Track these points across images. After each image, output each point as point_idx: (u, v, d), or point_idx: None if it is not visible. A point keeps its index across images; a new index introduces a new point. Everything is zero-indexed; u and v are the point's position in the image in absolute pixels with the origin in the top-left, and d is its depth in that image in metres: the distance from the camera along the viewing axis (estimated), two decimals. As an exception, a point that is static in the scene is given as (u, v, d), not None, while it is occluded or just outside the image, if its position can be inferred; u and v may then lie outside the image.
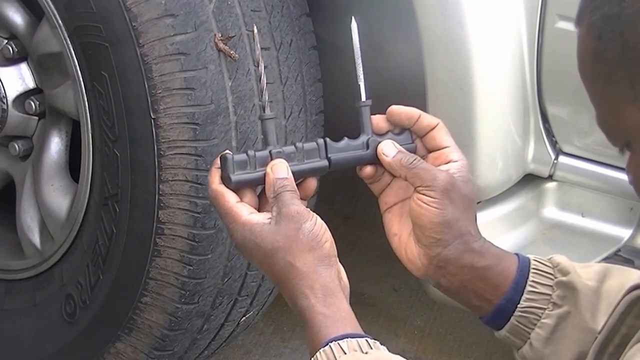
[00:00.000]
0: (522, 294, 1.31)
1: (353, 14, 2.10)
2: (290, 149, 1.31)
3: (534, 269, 1.32)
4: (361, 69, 1.33)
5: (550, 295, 1.31)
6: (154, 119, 1.76)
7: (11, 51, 2.03)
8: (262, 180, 1.28)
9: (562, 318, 1.30)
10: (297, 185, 1.29)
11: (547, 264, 1.33)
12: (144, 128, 1.77)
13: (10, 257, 2.13)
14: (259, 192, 1.31)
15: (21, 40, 2.03)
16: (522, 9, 1.83)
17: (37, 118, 2.05)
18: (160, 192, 1.79)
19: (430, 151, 1.36)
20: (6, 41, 2.04)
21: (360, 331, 1.18)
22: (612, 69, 1.01)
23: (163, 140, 1.77)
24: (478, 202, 1.98)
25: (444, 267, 1.31)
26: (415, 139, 1.37)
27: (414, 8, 1.80)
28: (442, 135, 1.35)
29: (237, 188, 1.27)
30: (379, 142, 1.34)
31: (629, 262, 1.95)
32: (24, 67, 2.04)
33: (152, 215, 1.81)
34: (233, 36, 1.77)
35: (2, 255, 2.15)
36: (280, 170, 1.27)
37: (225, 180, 1.27)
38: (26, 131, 2.07)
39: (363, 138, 1.33)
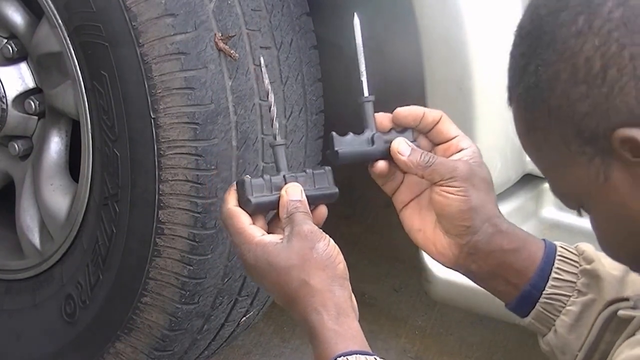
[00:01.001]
0: (547, 281, 1.31)
1: (353, 13, 2.10)
2: (301, 174, 1.31)
3: (559, 255, 1.32)
4: (363, 64, 1.32)
5: (575, 282, 1.31)
6: (154, 118, 1.76)
7: (11, 51, 2.03)
8: (277, 204, 1.28)
9: (587, 305, 1.30)
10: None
11: (573, 251, 1.33)
12: (144, 128, 1.77)
13: (9, 257, 2.12)
14: (269, 218, 1.31)
15: (21, 40, 2.03)
16: (521, 8, 1.83)
17: (36, 118, 2.05)
18: (160, 192, 1.79)
19: (438, 144, 1.36)
20: (6, 41, 2.04)
21: (369, 350, 1.18)
22: (546, 135, 1.05)
23: (163, 140, 1.76)
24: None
25: (474, 253, 1.31)
26: (417, 136, 1.36)
27: (413, 8, 1.80)
28: (448, 127, 1.35)
29: (254, 211, 1.27)
30: (385, 139, 1.33)
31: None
32: (23, 66, 2.04)
33: (152, 215, 1.81)
34: (233, 36, 1.77)
35: (1, 255, 2.14)
36: (294, 193, 1.27)
37: (245, 202, 1.27)
38: (26, 131, 2.07)
39: (368, 134, 1.32)
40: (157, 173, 1.78)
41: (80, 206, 1.92)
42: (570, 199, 1.09)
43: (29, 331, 2.05)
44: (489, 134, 1.87)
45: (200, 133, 1.76)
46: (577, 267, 1.32)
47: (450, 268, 1.34)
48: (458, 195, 1.29)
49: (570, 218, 2.01)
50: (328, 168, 1.34)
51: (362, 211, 2.79)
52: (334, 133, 1.30)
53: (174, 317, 1.89)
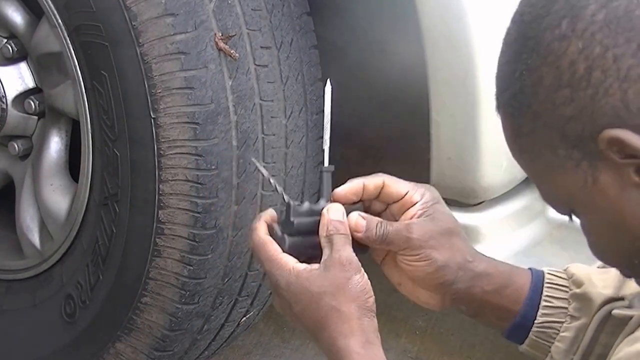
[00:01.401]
0: (538, 309, 1.31)
1: (354, 13, 2.10)
2: None
3: (548, 282, 1.32)
4: (328, 133, 1.30)
5: (566, 308, 1.31)
6: (154, 118, 1.75)
7: (11, 50, 2.03)
8: (317, 227, 1.27)
9: (581, 330, 1.30)
10: None
11: (562, 276, 1.33)
12: (144, 127, 1.77)
13: (9, 257, 2.12)
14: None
15: (21, 40, 2.03)
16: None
17: (36, 117, 2.05)
18: (161, 192, 1.79)
19: (391, 203, 1.33)
20: (6, 40, 2.04)
21: None
22: (533, 141, 1.05)
23: (163, 140, 1.76)
24: (481, 202, 1.97)
25: (457, 298, 1.31)
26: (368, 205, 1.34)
27: (416, 7, 1.80)
28: (395, 187, 1.32)
29: (296, 233, 1.26)
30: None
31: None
32: (23, 66, 2.04)
33: (152, 215, 1.81)
34: (233, 35, 1.77)
35: (1, 256, 2.14)
36: (336, 213, 1.26)
37: (287, 225, 1.27)
38: (26, 131, 2.06)
39: (322, 204, 1.29)
40: (157, 173, 1.78)
41: (80, 206, 1.92)
42: (561, 205, 1.09)
43: (28, 331, 2.05)
44: (494, 133, 1.86)
45: (200, 133, 1.75)
46: (567, 292, 1.32)
47: (444, 310, 1.35)
48: (420, 261, 1.28)
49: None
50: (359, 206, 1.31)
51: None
52: (291, 201, 1.28)
53: (174, 317, 1.89)
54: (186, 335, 1.95)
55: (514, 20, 1.07)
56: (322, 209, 1.27)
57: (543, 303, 1.31)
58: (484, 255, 1.32)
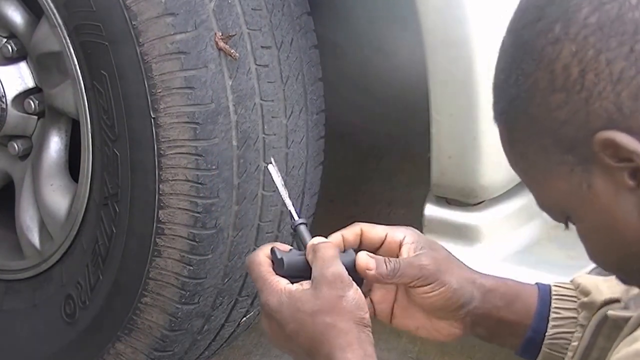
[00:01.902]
0: (548, 322, 1.30)
1: (355, 13, 2.10)
2: None
3: (555, 294, 1.32)
4: (287, 198, 1.30)
5: (576, 317, 1.31)
6: (154, 118, 1.75)
7: (10, 50, 2.02)
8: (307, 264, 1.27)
9: None
10: None
11: (569, 287, 1.33)
12: (144, 127, 1.77)
13: (9, 257, 2.12)
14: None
15: (20, 39, 2.02)
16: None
17: (36, 117, 2.04)
18: (161, 192, 1.79)
19: (374, 250, 1.32)
20: (5, 40, 2.03)
21: None
22: (527, 147, 1.05)
23: (163, 140, 1.76)
24: (482, 202, 1.97)
25: (475, 319, 1.31)
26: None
27: (416, 6, 1.79)
28: (373, 231, 1.31)
29: (287, 271, 1.25)
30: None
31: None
32: (23, 66, 2.04)
33: (152, 215, 1.80)
34: (233, 35, 1.76)
35: (1, 256, 2.14)
36: (319, 238, 1.26)
37: (278, 264, 1.25)
38: (25, 130, 2.06)
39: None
40: (157, 173, 1.78)
41: (80, 206, 1.91)
42: (556, 212, 1.09)
43: (28, 331, 2.05)
44: (494, 133, 1.86)
45: (200, 133, 1.75)
46: (576, 302, 1.31)
47: (462, 338, 1.34)
48: (437, 289, 1.27)
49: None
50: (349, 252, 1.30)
51: (364, 210, 2.79)
52: (275, 245, 1.27)
53: (174, 317, 1.89)
54: (186, 335, 1.94)
55: (509, 29, 1.07)
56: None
57: (552, 315, 1.30)
58: (484, 273, 1.32)
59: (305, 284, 1.22)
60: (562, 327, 1.30)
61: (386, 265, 1.26)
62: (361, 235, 1.30)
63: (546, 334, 1.30)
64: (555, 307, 1.31)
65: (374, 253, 1.29)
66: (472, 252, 1.97)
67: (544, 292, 1.32)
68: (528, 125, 1.03)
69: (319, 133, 1.97)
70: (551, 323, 1.30)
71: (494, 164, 1.91)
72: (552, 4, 1.01)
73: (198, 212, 1.79)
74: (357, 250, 1.28)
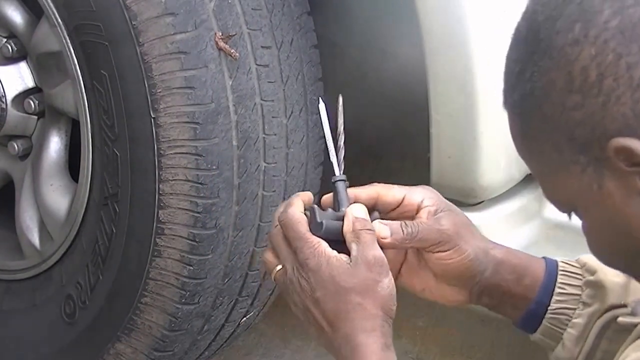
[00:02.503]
0: (552, 296, 1.31)
1: (355, 12, 2.10)
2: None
3: (562, 270, 1.33)
4: (332, 148, 1.28)
5: (579, 295, 1.31)
6: (154, 118, 1.75)
7: (10, 50, 2.03)
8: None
9: (593, 316, 1.31)
10: None
11: (575, 264, 1.34)
12: (144, 127, 1.77)
13: (9, 257, 2.12)
14: None
15: (20, 39, 2.03)
16: (524, 7, 1.82)
17: (36, 117, 2.04)
18: (161, 192, 1.79)
19: (391, 211, 1.31)
20: (5, 40, 2.03)
21: None
22: (540, 143, 1.04)
23: (163, 140, 1.76)
24: (480, 202, 1.97)
25: (483, 289, 1.31)
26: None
27: (415, 7, 1.79)
28: (390, 192, 1.30)
29: (324, 235, 1.24)
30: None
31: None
32: (23, 66, 2.04)
33: (152, 215, 1.80)
34: (234, 35, 1.76)
35: (1, 256, 2.14)
36: (359, 211, 1.24)
37: (315, 226, 1.24)
38: (25, 130, 2.06)
39: (344, 209, 1.26)
40: (157, 173, 1.78)
41: (80, 206, 1.91)
42: (563, 205, 1.09)
43: (28, 332, 2.04)
44: (493, 133, 1.87)
45: (200, 132, 1.75)
46: (581, 280, 1.32)
47: (467, 306, 1.34)
48: (454, 257, 1.27)
49: (573, 218, 2.01)
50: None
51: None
52: (315, 206, 1.25)
53: (174, 317, 1.89)
54: (186, 335, 1.94)
55: (525, 18, 1.06)
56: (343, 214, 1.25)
57: (557, 290, 1.31)
58: (496, 243, 1.32)
59: (345, 257, 1.21)
60: (565, 303, 1.31)
61: (403, 230, 1.26)
62: (377, 197, 1.29)
63: (549, 307, 1.31)
64: (561, 283, 1.32)
65: (390, 215, 1.28)
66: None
67: (551, 267, 1.33)
68: (541, 121, 1.03)
69: (319, 133, 1.97)
70: (555, 298, 1.31)
71: (493, 164, 1.91)
72: (571, 2, 1.00)
73: (198, 212, 1.79)
74: (372, 212, 1.27)
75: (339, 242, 1.23)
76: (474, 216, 1.98)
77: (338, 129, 1.29)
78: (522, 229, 2.02)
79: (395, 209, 1.30)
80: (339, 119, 1.30)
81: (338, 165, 1.28)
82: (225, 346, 2.14)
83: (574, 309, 1.31)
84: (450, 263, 1.28)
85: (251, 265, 1.93)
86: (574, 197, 1.05)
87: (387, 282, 1.20)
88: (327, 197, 1.29)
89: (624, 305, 1.22)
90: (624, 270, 1.12)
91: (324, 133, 1.29)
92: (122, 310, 1.90)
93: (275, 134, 1.85)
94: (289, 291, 1.23)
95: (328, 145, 1.28)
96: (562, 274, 1.32)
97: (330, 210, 1.26)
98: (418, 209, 1.29)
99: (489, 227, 1.99)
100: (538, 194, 2.01)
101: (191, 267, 1.83)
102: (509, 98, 1.07)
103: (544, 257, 1.34)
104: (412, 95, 1.94)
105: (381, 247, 1.24)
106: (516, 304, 1.32)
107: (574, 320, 1.31)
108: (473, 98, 1.82)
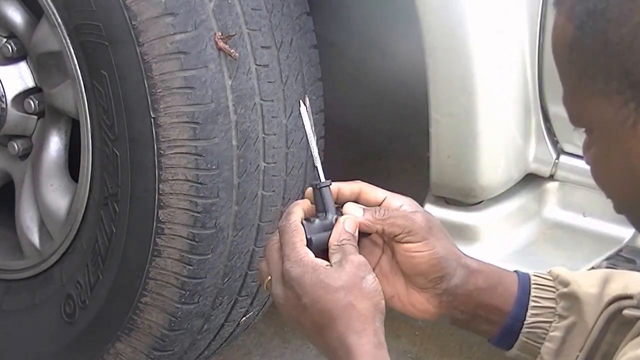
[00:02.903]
0: (527, 310, 1.30)
1: (354, 12, 2.10)
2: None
3: (534, 283, 1.31)
4: (316, 151, 1.28)
5: (554, 308, 1.30)
6: (154, 118, 1.75)
7: (10, 50, 2.03)
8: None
9: (569, 329, 1.30)
10: None
11: (547, 277, 1.33)
12: (143, 127, 1.77)
13: (9, 257, 2.12)
14: None
15: (20, 39, 2.03)
16: (524, 7, 1.83)
17: (36, 117, 2.05)
18: (160, 192, 1.79)
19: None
20: (5, 40, 2.04)
21: None
22: (589, 62, 1.01)
23: (163, 140, 1.76)
24: (480, 202, 1.98)
25: (454, 298, 1.30)
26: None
27: (415, 6, 1.80)
28: (373, 193, 1.30)
29: (313, 249, 1.25)
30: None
31: (630, 262, 1.95)
32: (23, 66, 2.04)
33: (152, 215, 1.81)
34: (233, 35, 1.77)
35: (1, 255, 2.14)
36: (350, 225, 1.25)
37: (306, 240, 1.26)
38: (25, 130, 2.06)
39: (330, 217, 1.27)
40: (157, 172, 1.78)
41: (79, 206, 1.92)
42: (582, 122, 1.06)
43: (28, 331, 2.05)
44: (492, 133, 1.87)
45: (200, 132, 1.75)
46: (554, 292, 1.31)
47: (437, 319, 1.33)
48: (423, 250, 1.27)
49: (572, 218, 2.01)
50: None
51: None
52: (304, 221, 1.26)
53: (174, 317, 1.89)
54: (186, 335, 1.94)
55: None
56: (333, 221, 1.26)
57: (531, 303, 1.30)
58: (468, 255, 1.32)
59: (329, 263, 1.22)
60: (541, 316, 1.30)
61: (375, 212, 1.26)
62: (359, 194, 1.29)
63: (524, 322, 1.30)
64: (535, 296, 1.30)
65: None
66: (470, 252, 1.95)
67: (524, 281, 1.31)
68: (601, 44, 1.00)
69: (319, 133, 1.97)
70: (530, 312, 1.30)
71: (492, 164, 1.91)
72: None
73: (198, 212, 1.79)
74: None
75: (326, 252, 1.25)
76: (473, 216, 1.99)
77: (314, 132, 1.29)
78: (521, 228, 2.02)
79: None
80: (307, 128, 1.30)
81: (322, 169, 1.28)
82: (224, 346, 2.14)
83: (550, 322, 1.30)
84: (417, 256, 1.27)
85: (251, 265, 1.93)
86: (600, 122, 1.03)
87: (372, 278, 1.21)
88: (310, 194, 1.30)
89: (630, 297, 1.21)
90: (619, 207, 1.10)
91: (306, 137, 1.28)
92: (122, 309, 1.91)
93: (274, 134, 1.85)
94: (277, 302, 1.24)
95: (312, 148, 1.29)
96: (535, 287, 1.31)
97: (317, 221, 1.27)
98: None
99: (488, 226, 2.00)
100: (537, 194, 2.02)
101: (191, 267, 1.84)
102: (569, 6, 1.02)
103: (515, 271, 1.33)
104: (411, 95, 1.95)
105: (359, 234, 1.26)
106: (490, 317, 1.30)
107: (551, 334, 1.29)
108: (473, 98, 1.83)
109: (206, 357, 2.11)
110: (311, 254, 1.22)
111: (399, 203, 1.29)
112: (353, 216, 1.26)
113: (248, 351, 2.46)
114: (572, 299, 1.30)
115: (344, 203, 1.29)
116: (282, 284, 1.23)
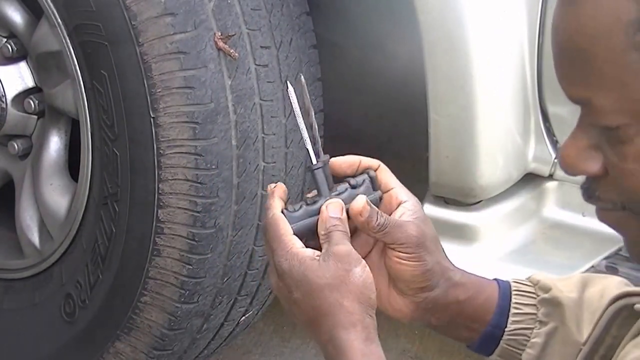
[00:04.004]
0: (508, 317, 1.30)
1: (353, 12, 2.10)
2: (343, 191, 1.25)
3: (515, 290, 1.31)
4: (305, 132, 1.25)
5: (535, 314, 1.30)
6: (153, 117, 1.75)
7: (10, 50, 2.03)
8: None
9: (550, 335, 1.30)
10: None
11: (528, 283, 1.32)
12: (143, 127, 1.77)
13: (9, 256, 2.12)
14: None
15: (20, 39, 2.03)
16: (523, 6, 1.83)
17: (36, 117, 2.05)
18: (160, 191, 1.79)
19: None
20: (5, 40, 2.04)
21: None
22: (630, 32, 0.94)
23: (163, 139, 1.76)
24: (479, 202, 1.98)
25: (432, 308, 1.29)
26: (378, 186, 1.32)
27: (414, 6, 1.80)
28: (387, 177, 1.30)
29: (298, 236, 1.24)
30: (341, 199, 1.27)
31: (629, 261, 1.95)
32: (23, 65, 2.04)
33: (151, 215, 1.81)
34: (233, 35, 1.77)
35: (1, 255, 2.14)
36: (334, 210, 1.23)
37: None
38: (25, 130, 2.06)
39: (321, 202, 1.24)
40: (156, 172, 1.78)
41: (79, 205, 1.92)
42: (625, 115, 0.98)
43: (28, 330, 2.05)
44: (491, 133, 1.88)
45: (199, 132, 1.75)
46: (535, 298, 1.31)
47: (410, 322, 1.33)
48: (411, 261, 1.26)
49: (571, 218, 2.01)
50: (369, 175, 1.30)
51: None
52: (285, 210, 1.24)
53: (174, 316, 1.89)
54: (185, 334, 1.95)
55: None
56: (319, 207, 1.24)
57: (513, 310, 1.30)
58: (455, 267, 1.32)
59: (318, 253, 1.20)
60: (521, 323, 1.30)
61: (377, 218, 1.25)
62: (376, 170, 1.29)
63: (505, 329, 1.29)
64: (516, 303, 1.30)
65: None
66: (470, 252, 1.97)
67: (504, 288, 1.31)
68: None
69: (318, 133, 1.97)
70: (511, 319, 1.29)
71: (491, 163, 1.91)
72: None
73: (197, 212, 1.79)
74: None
75: (313, 235, 1.23)
76: (473, 215, 1.99)
77: (309, 114, 1.28)
78: (520, 228, 2.02)
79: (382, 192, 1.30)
80: (305, 102, 1.29)
81: (314, 150, 1.25)
82: (224, 345, 2.14)
83: (532, 328, 1.29)
84: (405, 265, 1.26)
85: (250, 264, 1.93)
86: (633, 105, 0.96)
87: (360, 271, 1.19)
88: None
89: (638, 294, 1.21)
90: None
91: (296, 120, 1.27)
92: (122, 309, 1.91)
93: (274, 134, 1.85)
94: (275, 292, 1.24)
95: (301, 130, 1.26)
96: (515, 294, 1.30)
97: (303, 206, 1.25)
98: (397, 205, 1.29)
99: (487, 226, 2.00)
100: (536, 193, 2.02)
101: (190, 266, 1.84)
102: None
103: (495, 279, 1.32)
104: (411, 96, 1.95)
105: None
106: (470, 325, 1.30)
107: (533, 340, 1.29)
108: (471, 98, 1.83)
109: (206, 356, 2.11)
110: (298, 244, 1.21)
111: (405, 199, 1.28)
112: (336, 200, 1.24)
113: (247, 350, 2.46)
114: (553, 305, 1.30)
115: (355, 175, 1.27)
116: (276, 276, 1.22)
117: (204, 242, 1.82)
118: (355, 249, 1.24)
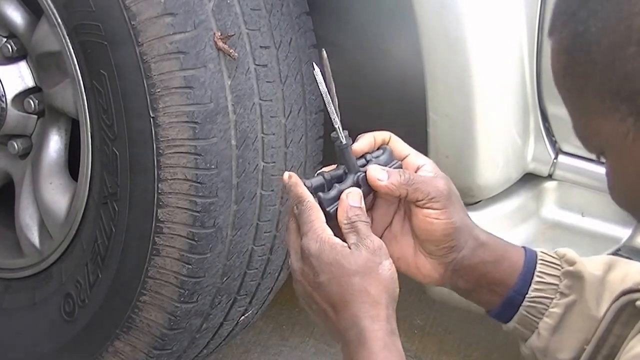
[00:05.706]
0: (530, 285, 1.31)
1: (353, 12, 2.10)
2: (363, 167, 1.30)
3: (541, 260, 1.33)
4: (334, 113, 1.27)
5: (557, 285, 1.32)
6: (153, 117, 1.76)
7: (10, 50, 2.03)
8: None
9: (569, 307, 1.31)
10: None
11: (554, 255, 1.34)
12: (143, 127, 1.77)
13: (9, 255, 2.13)
14: None
15: (20, 39, 2.03)
16: (522, 7, 1.83)
17: (36, 117, 2.05)
18: (160, 191, 1.79)
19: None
20: (5, 40, 2.04)
21: None
22: (583, 85, 1.03)
23: (162, 139, 1.76)
24: (478, 202, 1.98)
25: (460, 269, 1.31)
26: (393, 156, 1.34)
27: (413, 7, 1.80)
28: (400, 146, 1.33)
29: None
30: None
31: (628, 262, 1.95)
32: (23, 65, 2.04)
33: (151, 214, 1.81)
34: (232, 35, 1.77)
35: (0, 254, 2.14)
36: (354, 199, 1.26)
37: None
38: (25, 130, 2.07)
39: (351, 178, 1.28)
40: (156, 172, 1.78)
41: (79, 205, 1.92)
42: (592, 144, 1.08)
43: (28, 330, 2.05)
44: (490, 133, 1.88)
45: (199, 132, 1.76)
46: (559, 270, 1.33)
47: (439, 286, 1.34)
48: (441, 218, 1.28)
49: (570, 218, 2.02)
50: (386, 148, 1.32)
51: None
52: (321, 194, 1.26)
53: (173, 315, 1.89)
54: (185, 333, 1.95)
55: None
56: (350, 183, 1.27)
57: (536, 278, 1.32)
58: (478, 226, 1.33)
59: (346, 243, 1.22)
60: (543, 292, 1.32)
61: (401, 175, 1.27)
62: (387, 144, 1.31)
63: (526, 296, 1.31)
64: (540, 272, 1.32)
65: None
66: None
67: (530, 256, 1.33)
68: (589, 64, 1.02)
69: (318, 132, 1.98)
70: (533, 286, 1.31)
71: (490, 163, 1.92)
72: None
73: (197, 211, 1.80)
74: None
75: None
76: (472, 215, 1.99)
77: (332, 92, 1.30)
78: (519, 228, 2.03)
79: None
80: (327, 79, 1.30)
81: (341, 129, 1.28)
82: (223, 344, 2.14)
83: (552, 298, 1.31)
84: (435, 223, 1.28)
85: (249, 264, 1.93)
86: (606, 141, 1.04)
87: (388, 265, 1.21)
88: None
89: (639, 290, 1.22)
90: (636, 214, 1.11)
91: (323, 101, 1.28)
92: (121, 308, 1.91)
93: (273, 134, 1.86)
94: (295, 277, 1.25)
95: (329, 110, 1.28)
96: (541, 263, 1.32)
97: (336, 187, 1.26)
98: (416, 169, 1.31)
99: (487, 226, 2.00)
100: (535, 193, 2.02)
101: (190, 266, 1.84)
102: (557, 32, 1.05)
103: (523, 247, 1.34)
104: (409, 95, 1.95)
105: (376, 193, 1.27)
106: (493, 289, 1.32)
107: (551, 310, 1.31)
108: (470, 98, 1.83)
109: (205, 355, 2.11)
110: (328, 231, 1.23)
111: (422, 162, 1.31)
112: (355, 189, 1.26)
113: (247, 349, 2.46)
114: (575, 278, 1.31)
115: (372, 152, 1.30)
116: (301, 260, 1.23)
117: (203, 241, 1.83)
118: (375, 225, 1.27)
